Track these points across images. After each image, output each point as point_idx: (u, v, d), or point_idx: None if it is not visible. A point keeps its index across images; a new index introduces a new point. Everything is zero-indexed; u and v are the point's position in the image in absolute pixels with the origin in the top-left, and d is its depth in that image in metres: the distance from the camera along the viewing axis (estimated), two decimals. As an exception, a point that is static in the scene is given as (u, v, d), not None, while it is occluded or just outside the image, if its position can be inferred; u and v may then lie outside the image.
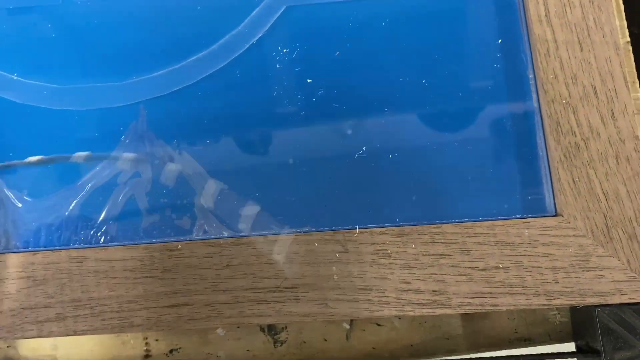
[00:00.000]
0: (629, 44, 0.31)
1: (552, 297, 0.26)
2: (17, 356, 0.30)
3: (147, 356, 0.30)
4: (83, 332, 0.27)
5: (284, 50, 0.30)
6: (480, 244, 0.26)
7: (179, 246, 0.27)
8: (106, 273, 0.27)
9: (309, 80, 0.30)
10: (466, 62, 0.30)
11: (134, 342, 0.30)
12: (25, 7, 0.31)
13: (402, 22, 0.30)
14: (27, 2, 0.31)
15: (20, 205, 0.30)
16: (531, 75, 0.29)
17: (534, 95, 0.29)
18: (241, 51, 0.31)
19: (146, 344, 0.30)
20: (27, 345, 0.30)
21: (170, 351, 0.30)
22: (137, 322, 0.27)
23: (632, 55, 0.31)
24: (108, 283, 0.27)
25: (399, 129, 0.29)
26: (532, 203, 0.28)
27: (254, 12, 0.31)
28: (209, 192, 0.29)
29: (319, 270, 0.27)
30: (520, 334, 0.29)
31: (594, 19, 0.29)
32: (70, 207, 0.29)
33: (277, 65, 0.30)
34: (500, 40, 0.30)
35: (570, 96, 0.28)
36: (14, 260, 0.28)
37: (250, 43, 0.31)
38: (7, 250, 0.28)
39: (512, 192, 0.28)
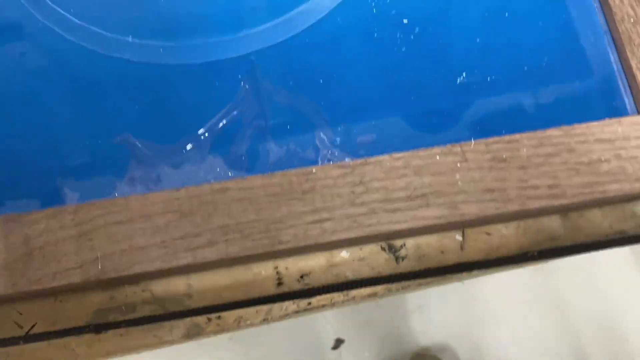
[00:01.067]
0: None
1: (654, 180, 0.30)
2: (152, 299, 0.32)
3: (279, 284, 0.32)
4: (235, 254, 0.29)
5: (378, -2, 0.34)
6: (582, 142, 0.30)
7: (314, 170, 0.30)
8: (250, 200, 0.30)
9: (405, 21, 0.33)
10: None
11: (265, 273, 0.32)
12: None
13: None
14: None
15: (148, 152, 0.32)
16: (596, 5, 0.33)
17: (602, 20, 0.33)
18: (338, 2, 0.34)
19: (277, 272, 0.32)
20: (161, 287, 0.32)
21: (301, 277, 0.32)
22: (285, 238, 0.29)
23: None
24: (254, 208, 0.29)
25: (492, 56, 0.33)
26: (618, 108, 0.32)
27: (347, -33, 0.34)
28: (328, 125, 0.32)
29: (444, 179, 0.30)
30: (615, 228, 0.33)
31: (646, -50, 0.33)
32: (204, 149, 0.31)
33: (374, 11, 0.34)
34: (567, -24, 0.34)
35: (636, 15, 0.32)
36: (158, 198, 0.30)
37: (346, -6, 0.34)
38: (149, 190, 0.30)
39: (600, 100, 0.32)
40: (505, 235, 0.33)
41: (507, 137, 0.30)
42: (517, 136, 0.30)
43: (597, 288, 1.01)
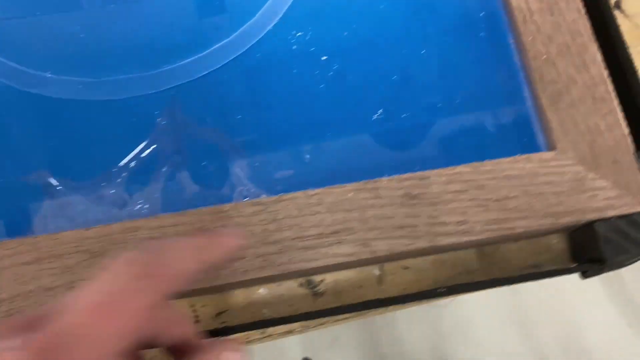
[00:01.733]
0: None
1: (559, 217, 0.30)
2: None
3: (195, 322, 0.32)
4: (144, 294, 0.29)
5: (298, 34, 0.34)
6: (492, 179, 0.31)
7: (226, 207, 0.30)
8: (160, 239, 0.29)
9: (324, 58, 0.34)
10: (458, 34, 0.34)
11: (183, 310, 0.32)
12: (52, 13, 0.34)
13: (401, 3, 0.35)
14: (53, 9, 0.34)
15: (63, 189, 0.31)
16: (511, 41, 0.34)
17: (517, 56, 0.34)
18: (259, 37, 0.34)
19: (194, 310, 0.32)
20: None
21: (218, 314, 0.32)
22: (195, 278, 0.29)
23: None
24: (164, 247, 0.29)
25: (409, 93, 0.33)
26: (530, 144, 0.32)
27: (268, 2, 0.35)
28: (244, 161, 0.32)
29: (357, 216, 0.30)
30: (530, 262, 0.33)
31: (558, -11, 0.34)
32: (116, 186, 0.31)
33: (294, 47, 0.34)
34: (482, 13, 0.35)
35: (548, 52, 0.33)
36: (68, 237, 0.30)
37: (267, 30, 0.34)
38: (60, 230, 0.30)
39: (512, 136, 0.32)
40: (423, 270, 0.33)
41: (419, 174, 0.31)
42: (428, 173, 0.31)
43: (562, 304, 1.02)
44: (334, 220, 0.30)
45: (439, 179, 0.31)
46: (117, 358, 0.18)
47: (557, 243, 0.34)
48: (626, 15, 0.38)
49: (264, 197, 0.31)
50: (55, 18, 0.34)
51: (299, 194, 0.30)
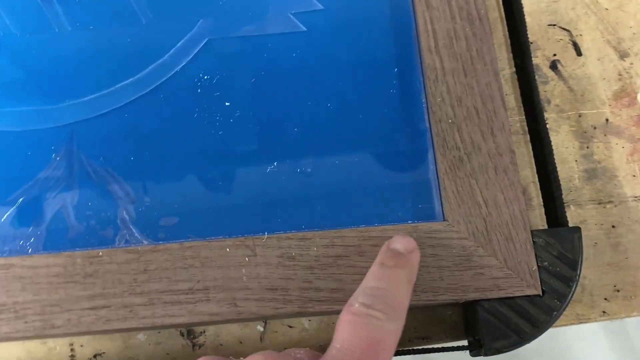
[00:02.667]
0: (515, 73, 0.36)
1: (437, 293, 0.29)
2: (-55, 365, 0.32)
3: (71, 362, 0.32)
4: (6, 335, 0.29)
5: (205, 77, 0.33)
6: (374, 245, 0.29)
7: (100, 253, 0.30)
8: (31, 279, 0.29)
9: (227, 104, 0.33)
10: (368, 87, 0.33)
11: (59, 349, 0.32)
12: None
13: (310, 53, 0.34)
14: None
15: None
16: (424, 100, 0.33)
17: (426, 117, 0.33)
18: (166, 78, 0.34)
19: (71, 349, 0.32)
20: (-44, 355, 0.32)
21: (94, 356, 0.32)
22: (58, 323, 0.29)
23: (517, 84, 0.35)
24: (32, 288, 0.29)
25: (306, 147, 0.32)
26: (423, 210, 0.31)
27: (179, 44, 0.34)
28: (131, 205, 0.32)
29: (230, 273, 0.29)
30: (419, 332, 0.32)
31: (476, 49, 0.33)
32: (2, 220, 0.31)
33: (199, 90, 0.33)
34: (396, 69, 0.33)
35: (455, 116, 0.32)
36: (-57, 269, 0.30)
37: (175, 70, 0.34)
38: (-63, 260, 0.30)
39: (405, 201, 0.31)
40: (307, 329, 0.32)
41: (300, 234, 0.30)
42: (310, 234, 0.30)
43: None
44: (204, 275, 0.29)
45: (320, 241, 0.30)
46: None
47: (451, 315, 0.32)
48: (561, 77, 0.36)
49: (140, 245, 0.30)
50: (-37, 46, 0.34)
51: (174, 245, 0.30)
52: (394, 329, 0.24)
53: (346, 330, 0.23)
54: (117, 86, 0.33)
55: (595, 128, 0.35)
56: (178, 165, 0.32)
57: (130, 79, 0.34)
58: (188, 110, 0.33)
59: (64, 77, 0.34)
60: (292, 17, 0.34)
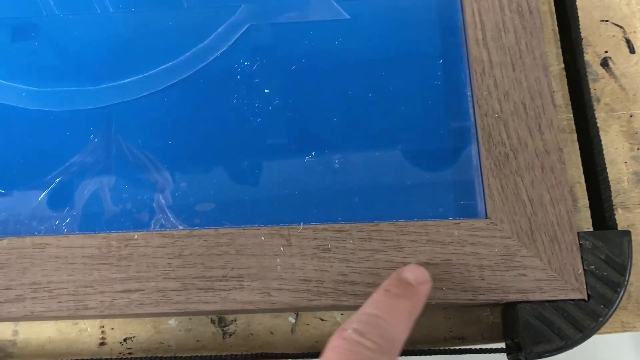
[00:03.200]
0: (564, 69, 0.34)
1: (477, 293, 0.28)
2: (-22, 341, 0.32)
3: (102, 344, 0.32)
4: (40, 314, 0.28)
5: (245, 63, 0.33)
6: (413, 241, 0.29)
7: (135, 236, 0.29)
8: (65, 259, 0.29)
9: (266, 91, 0.32)
10: (411, 79, 0.32)
11: (90, 330, 0.32)
12: (7, 18, 0.34)
13: (353, 42, 0.33)
14: (10, 13, 0.34)
15: (-9, 196, 0.32)
16: (469, 93, 0.32)
17: (471, 110, 0.32)
18: (206, 63, 0.33)
19: (102, 332, 0.32)
20: (-11, 331, 0.32)
21: (125, 339, 0.32)
22: (91, 305, 0.28)
23: (565, 80, 0.34)
24: (67, 268, 0.29)
25: (345, 138, 0.32)
26: (466, 207, 0.30)
27: (220, 29, 0.34)
28: (168, 189, 0.31)
29: (264, 262, 0.29)
30: (455, 332, 0.31)
31: (525, 43, 0.31)
32: (39, 199, 0.31)
33: (238, 77, 0.33)
34: (441, 60, 0.33)
35: (502, 111, 0.30)
36: (-20, 246, 0.30)
37: (215, 56, 0.33)
38: (-25, 236, 0.30)
39: (447, 197, 0.30)
40: (339, 323, 0.31)
41: (337, 226, 0.29)
42: (347, 226, 0.29)
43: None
44: (239, 263, 0.29)
45: (357, 234, 0.29)
46: None
47: (488, 316, 0.31)
48: (612, 75, 0.34)
49: (175, 230, 0.30)
50: (8, 25, 0.34)
51: (210, 231, 0.29)
52: None
53: (333, 356, 0.22)
54: (156, 70, 0.33)
55: (647, 129, 0.33)
56: (215, 152, 0.32)
57: (170, 63, 0.33)
58: (227, 96, 0.33)
59: (104, 59, 0.34)
60: (335, 4, 0.34)
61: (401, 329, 0.23)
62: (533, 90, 0.31)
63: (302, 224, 0.29)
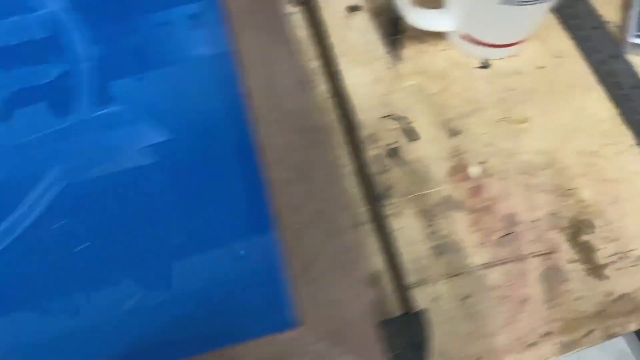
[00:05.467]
0: (357, 167, 0.38)
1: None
2: None
3: None
4: None
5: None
6: (235, 365, 0.30)
7: None
8: None
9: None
10: (214, 208, 0.35)
11: None
12: None
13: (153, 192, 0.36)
14: None
15: None
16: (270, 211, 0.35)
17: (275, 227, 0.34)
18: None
19: None
20: None
21: None
22: None
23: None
24: None
25: (167, 276, 0.33)
26: (286, 321, 0.32)
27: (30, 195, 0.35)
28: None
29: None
30: None
31: (313, 157, 0.35)
32: None
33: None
34: (240, 184, 0.36)
35: (300, 221, 0.34)
36: None
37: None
38: None
39: (268, 315, 0.32)
40: None
41: (162, 367, 0.30)
42: (171, 365, 0.30)
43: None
44: None
45: (180, 370, 0.30)
46: None
47: (328, 414, 0.33)
48: (401, 162, 0.39)
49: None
50: None
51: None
52: None
53: None
54: (-28, 247, 0.34)
55: (437, 205, 0.38)
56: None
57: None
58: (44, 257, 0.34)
59: None
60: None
61: None
62: (325, 198, 0.34)
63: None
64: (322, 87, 0.41)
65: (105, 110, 0.38)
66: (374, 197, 0.36)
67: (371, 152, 0.39)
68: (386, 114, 0.41)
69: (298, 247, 0.33)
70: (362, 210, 0.37)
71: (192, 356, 0.30)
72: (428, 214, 0.37)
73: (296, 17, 0.44)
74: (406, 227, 0.37)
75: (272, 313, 0.32)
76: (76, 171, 0.36)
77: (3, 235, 0.34)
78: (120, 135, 0.37)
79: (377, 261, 0.36)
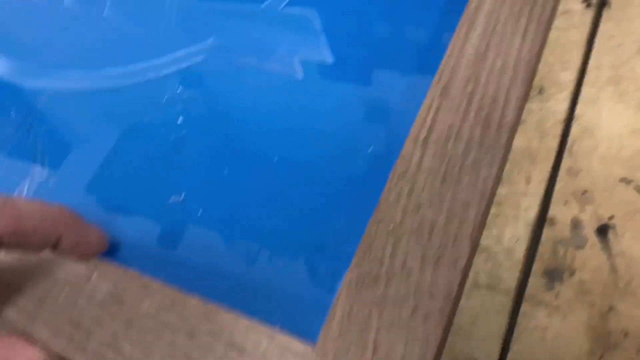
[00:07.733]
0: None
1: None
2: None
3: None
4: None
5: (186, 94, 0.31)
6: (209, 333, 0.22)
7: None
8: None
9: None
10: (326, 164, 0.27)
11: None
12: None
13: (296, 104, 0.29)
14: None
15: None
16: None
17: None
18: (149, 78, 0.32)
19: None
20: None
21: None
22: None
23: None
24: None
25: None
26: (295, 321, 0.23)
27: (179, 52, 0.32)
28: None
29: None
30: None
31: (473, 159, 0.24)
32: None
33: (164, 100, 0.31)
34: (370, 149, 0.27)
35: (401, 224, 0.23)
36: None
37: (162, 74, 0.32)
38: None
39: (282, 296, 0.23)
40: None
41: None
42: (155, 284, 0.24)
43: None
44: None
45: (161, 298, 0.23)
46: None
47: None
48: (606, 248, 0.25)
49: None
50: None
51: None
52: None
53: None
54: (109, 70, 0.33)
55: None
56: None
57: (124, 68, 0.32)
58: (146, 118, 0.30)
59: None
60: (296, 64, 0.30)
61: None
62: (452, 214, 0.23)
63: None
64: (560, 104, 0.29)
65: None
66: (542, 270, 0.23)
67: (574, 212, 0.26)
68: (626, 178, 0.27)
69: (377, 252, 0.23)
70: (509, 275, 0.25)
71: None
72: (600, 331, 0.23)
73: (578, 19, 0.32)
74: (560, 332, 0.23)
75: (307, 313, 0.23)
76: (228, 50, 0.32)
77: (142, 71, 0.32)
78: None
79: (484, 345, 0.23)
